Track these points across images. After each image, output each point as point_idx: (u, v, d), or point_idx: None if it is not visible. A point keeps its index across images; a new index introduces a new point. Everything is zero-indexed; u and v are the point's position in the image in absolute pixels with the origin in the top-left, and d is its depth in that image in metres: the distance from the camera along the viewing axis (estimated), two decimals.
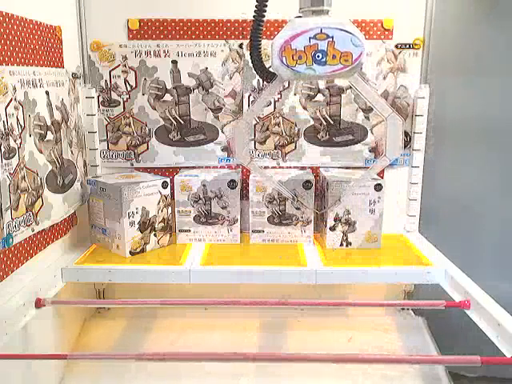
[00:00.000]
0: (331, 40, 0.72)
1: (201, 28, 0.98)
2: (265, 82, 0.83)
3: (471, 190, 1.06)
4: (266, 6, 0.73)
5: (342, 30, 0.72)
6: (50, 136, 0.83)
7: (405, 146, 1.04)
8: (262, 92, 0.88)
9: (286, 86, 1.01)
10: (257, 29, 0.75)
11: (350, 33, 0.72)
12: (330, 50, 0.72)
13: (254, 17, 0.74)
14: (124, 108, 1.02)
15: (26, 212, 0.77)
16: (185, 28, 0.98)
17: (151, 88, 1.01)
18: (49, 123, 0.83)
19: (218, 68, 1.00)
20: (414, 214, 1.06)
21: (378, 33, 0.99)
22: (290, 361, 0.75)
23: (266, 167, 1.05)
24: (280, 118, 1.02)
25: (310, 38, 0.72)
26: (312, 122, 1.03)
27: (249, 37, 0.76)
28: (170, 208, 0.97)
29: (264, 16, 0.74)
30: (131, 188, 0.90)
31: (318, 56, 0.72)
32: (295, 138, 1.04)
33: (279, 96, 1.01)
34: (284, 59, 0.72)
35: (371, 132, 1.03)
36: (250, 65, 0.79)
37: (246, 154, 0.83)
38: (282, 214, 0.98)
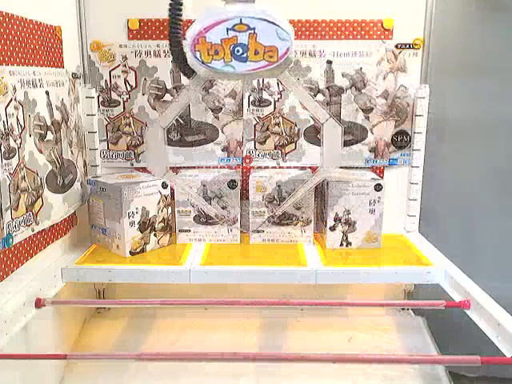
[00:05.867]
0: (253, 32, 0.62)
1: None
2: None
3: (471, 190, 1.06)
4: None
5: (265, 20, 0.62)
6: (49, 136, 0.83)
7: (405, 146, 1.04)
8: (180, 91, 0.81)
9: (209, 84, 0.90)
10: (175, 21, 0.68)
11: (275, 24, 0.62)
12: (252, 43, 0.62)
13: (169, 10, 0.67)
14: (124, 108, 1.02)
15: (26, 212, 0.77)
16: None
17: (151, 88, 1.01)
18: (49, 123, 0.83)
19: None
20: (414, 214, 1.06)
21: (378, 33, 0.99)
22: (290, 361, 0.75)
23: (266, 167, 1.05)
24: (280, 117, 1.02)
25: (227, 30, 0.62)
26: (312, 122, 1.03)
27: (168, 30, 0.68)
28: (169, 208, 0.97)
29: (182, 4, 0.66)
30: (131, 188, 0.90)
31: (238, 51, 0.62)
32: (295, 138, 1.04)
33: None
34: (198, 54, 0.63)
35: (371, 132, 1.03)
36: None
37: (162, 164, 0.74)
38: (282, 213, 0.98)
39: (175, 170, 1.04)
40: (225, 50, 0.62)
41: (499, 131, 1.03)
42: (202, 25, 0.62)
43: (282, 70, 0.65)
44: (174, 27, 0.68)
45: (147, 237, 0.95)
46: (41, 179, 0.81)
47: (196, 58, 0.63)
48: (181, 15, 0.67)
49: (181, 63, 0.69)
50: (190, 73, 0.68)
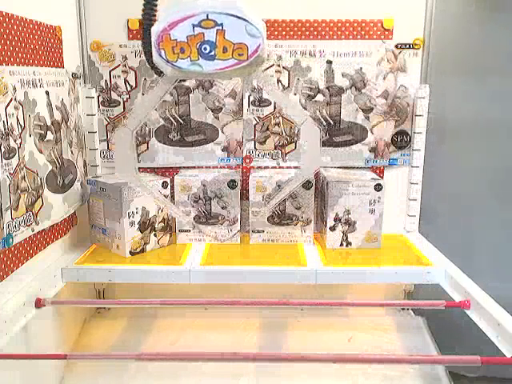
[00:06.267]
0: (221, 28, 0.58)
1: None
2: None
3: (471, 190, 1.06)
4: None
5: (234, 15, 0.57)
6: (50, 136, 0.83)
7: (405, 146, 1.04)
8: (148, 91, 0.78)
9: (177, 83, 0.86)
10: (148, 17, 0.65)
11: (245, 19, 0.58)
12: (220, 40, 0.58)
13: (144, 5, 0.65)
14: (124, 108, 1.02)
15: (26, 212, 0.77)
16: None
17: (151, 88, 1.01)
18: (49, 123, 0.83)
19: None
20: (414, 214, 1.06)
21: (378, 33, 0.99)
22: (290, 361, 0.75)
23: (266, 167, 1.05)
24: (280, 117, 1.02)
25: (193, 26, 0.58)
26: None
27: (140, 25, 0.66)
28: None
29: (156, 5, 0.64)
30: (131, 188, 0.90)
31: (205, 49, 0.59)
32: (295, 138, 1.04)
33: None
34: (162, 52, 0.59)
35: (371, 132, 1.03)
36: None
37: (130, 166, 0.69)
38: (282, 214, 0.98)
39: (175, 170, 1.05)
40: (191, 48, 0.59)
41: (499, 131, 1.03)
42: (166, 21, 0.58)
43: (254, 68, 0.61)
44: (146, 23, 0.65)
45: (147, 237, 0.95)
46: (41, 179, 0.81)
47: (161, 56, 0.59)
48: (154, 10, 0.64)
49: (151, 64, 0.67)
50: (160, 71, 0.65)
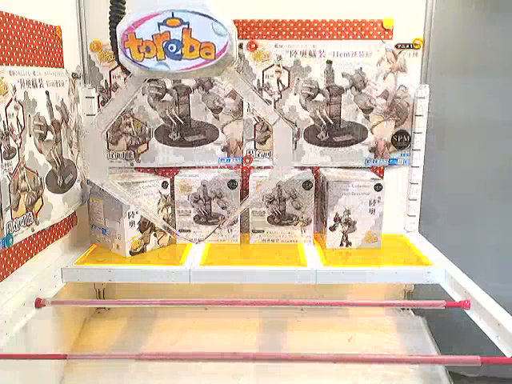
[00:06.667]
0: (187, 27, 0.56)
1: None
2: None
3: (471, 190, 1.06)
4: None
5: (200, 14, 0.56)
6: (49, 136, 0.83)
7: (405, 146, 1.04)
8: (117, 92, 0.76)
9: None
10: (115, 15, 0.64)
11: (211, 18, 0.57)
12: (187, 39, 0.57)
13: (111, 2, 0.64)
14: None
15: (26, 212, 0.77)
16: None
17: (151, 88, 1.01)
18: (49, 123, 0.83)
19: None
20: (414, 214, 1.06)
21: (378, 33, 0.99)
22: (290, 361, 0.75)
23: (266, 167, 1.05)
24: None
25: (159, 25, 0.57)
26: (312, 122, 1.03)
27: (108, 23, 0.64)
28: (169, 208, 0.97)
29: (124, 3, 0.63)
30: (131, 188, 0.90)
31: (172, 48, 0.57)
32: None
33: (279, 96, 1.01)
34: (128, 52, 0.58)
35: (371, 132, 1.03)
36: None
37: (101, 170, 0.67)
38: (282, 213, 0.98)
39: (175, 170, 1.05)
40: (157, 47, 0.57)
41: (499, 131, 1.03)
42: (131, 20, 0.57)
43: (223, 68, 0.59)
44: (113, 21, 0.64)
45: (147, 237, 0.95)
46: (41, 179, 0.81)
47: (126, 55, 0.58)
48: (122, 8, 0.63)
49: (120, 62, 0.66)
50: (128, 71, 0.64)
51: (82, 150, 0.97)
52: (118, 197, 0.75)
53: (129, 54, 0.57)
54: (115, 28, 0.60)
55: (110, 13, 0.63)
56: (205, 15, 0.56)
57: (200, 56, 0.57)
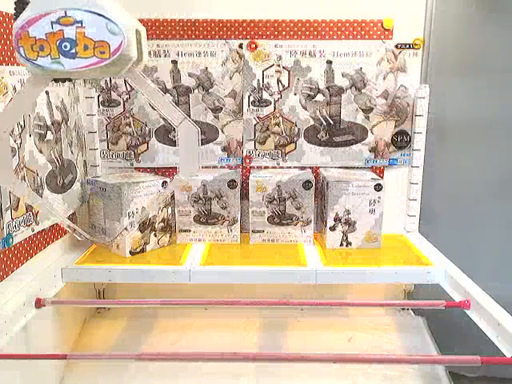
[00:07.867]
0: (80, 26, 0.56)
1: (201, 28, 0.98)
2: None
3: (471, 190, 1.06)
4: None
5: (93, 12, 0.56)
6: (49, 136, 0.83)
7: (405, 146, 1.04)
8: (20, 90, 0.70)
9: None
10: (17, 16, 0.60)
11: (105, 17, 0.56)
12: (80, 38, 0.56)
13: (14, 3, 0.61)
14: (124, 108, 1.02)
15: (26, 212, 0.77)
16: (185, 28, 0.98)
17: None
18: (49, 123, 0.83)
19: (218, 68, 1.00)
20: (414, 214, 1.06)
21: (378, 33, 0.99)
22: (290, 361, 0.75)
23: (266, 167, 1.05)
24: (280, 117, 1.02)
25: (52, 23, 0.56)
26: (312, 122, 1.03)
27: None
28: (169, 208, 0.97)
29: (27, 3, 0.60)
30: (131, 188, 0.90)
31: (66, 46, 0.57)
32: (295, 138, 1.04)
33: (279, 96, 1.01)
34: (22, 50, 0.57)
35: (371, 132, 1.03)
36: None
37: (7, 171, 0.63)
38: (282, 214, 0.98)
39: (175, 170, 1.05)
40: (51, 46, 0.57)
41: (499, 131, 1.03)
42: (24, 18, 0.56)
43: (121, 67, 0.58)
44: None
45: (147, 237, 0.95)
46: (41, 179, 0.81)
47: (21, 54, 0.57)
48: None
49: None
50: None
51: (82, 148, 0.97)
52: (27, 199, 0.72)
53: (23, 53, 0.57)
54: None
55: (14, 14, 0.61)
56: (99, 14, 0.56)
57: (94, 55, 0.57)
